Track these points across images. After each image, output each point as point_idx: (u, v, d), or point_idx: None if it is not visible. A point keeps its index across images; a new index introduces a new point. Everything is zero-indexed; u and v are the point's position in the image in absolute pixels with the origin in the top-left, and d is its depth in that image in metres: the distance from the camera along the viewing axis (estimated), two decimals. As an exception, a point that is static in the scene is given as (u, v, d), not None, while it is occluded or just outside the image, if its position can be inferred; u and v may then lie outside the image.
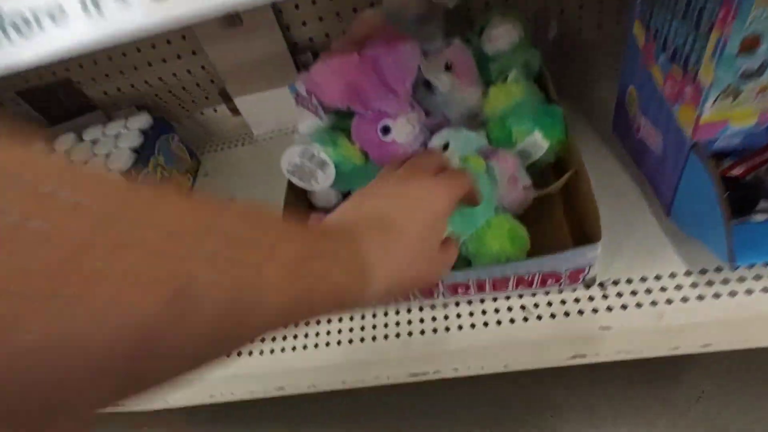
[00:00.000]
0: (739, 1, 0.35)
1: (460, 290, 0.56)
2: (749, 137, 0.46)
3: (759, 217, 0.51)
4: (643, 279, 0.54)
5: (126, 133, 0.80)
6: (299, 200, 0.68)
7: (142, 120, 0.82)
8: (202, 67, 0.88)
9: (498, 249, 0.51)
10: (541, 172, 0.63)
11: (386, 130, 0.62)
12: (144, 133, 0.81)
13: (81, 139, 0.83)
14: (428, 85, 0.69)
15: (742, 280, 0.51)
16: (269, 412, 0.95)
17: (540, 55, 0.66)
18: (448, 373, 0.59)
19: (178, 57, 0.86)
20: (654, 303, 0.52)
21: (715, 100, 0.42)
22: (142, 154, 0.77)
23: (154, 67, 0.88)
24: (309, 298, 0.23)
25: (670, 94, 0.48)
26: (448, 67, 0.67)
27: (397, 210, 0.31)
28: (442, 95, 0.67)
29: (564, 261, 0.49)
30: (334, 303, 0.25)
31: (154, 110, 0.88)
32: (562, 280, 0.53)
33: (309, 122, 0.66)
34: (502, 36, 0.66)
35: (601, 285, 0.55)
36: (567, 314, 0.54)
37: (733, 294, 0.50)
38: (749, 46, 0.38)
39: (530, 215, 0.60)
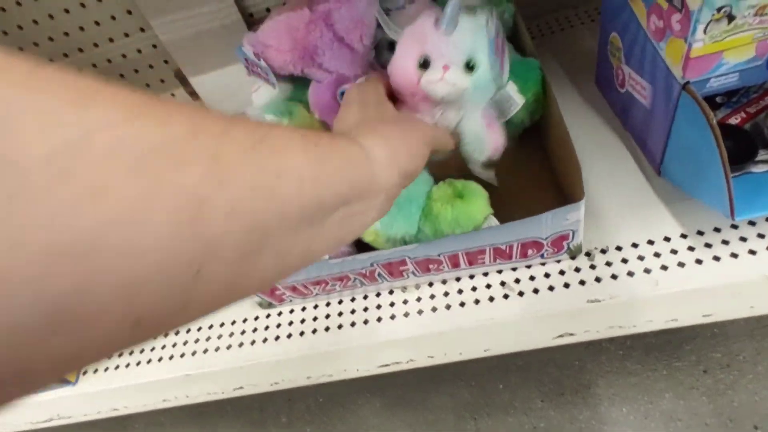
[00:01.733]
0: None
1: (431, 267, 0.50)
2: (747, 74, 0.41)
3: (759, 168, 0.46)
4: (635, 245, 0.48)
5: (68, 118, 0.73)
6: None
7: (87, 104, 0.75)
8: (153, 46, 0.81)
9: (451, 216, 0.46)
10: (519, 136, 0.57)
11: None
12: (89, 117, 0.74)
13: (21, 128, 0.76)
14: (392, 47, 0.63)
15: (743, 240, 0.45)
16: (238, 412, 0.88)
17: (514, 8, 0.60)
18: (423, 362, 0.53)
19: (126, 35, 0.79)
20: (647, 270, 0.46)
21: (707, 26, 0.37)
22: (86, 140, 0.70)
23: (101, 48, 0.81)
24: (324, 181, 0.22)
25: (656, 31, 0.43)
26: (412, 26, 0.61)
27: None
28: (407, 58, 0.62)
29: (544, 224, 0.43)
30: (348, 185, 0.24)
31: (103, 95, 0.81)
32: (544, 250, 0.48)
33: (262, 91, 0.60)
34: (470, -9, 0.60)
35: (588, 254, 0.49)
36: (551, 288, 0.48)
37: (734, 256, 0.44)
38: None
39: (514, 185, 0.54)
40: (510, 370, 0.66)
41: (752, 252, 0.44)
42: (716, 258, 0.45)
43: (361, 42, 0.53)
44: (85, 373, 0.61)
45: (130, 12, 0.76)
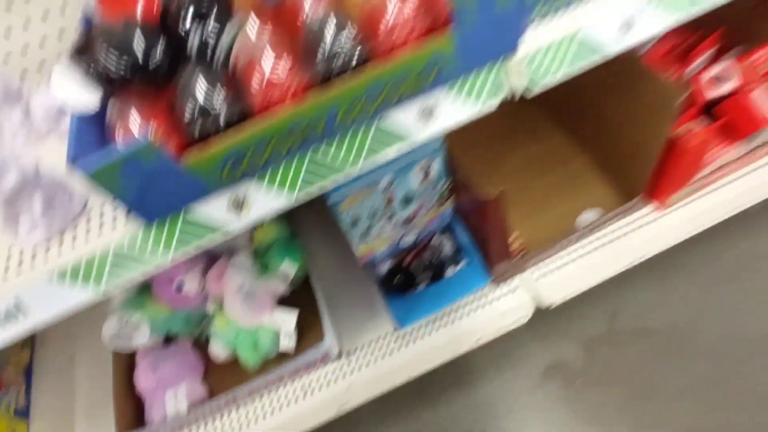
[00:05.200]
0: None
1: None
2: (392, 251, 0.78)
3: (422, 287, 0.84)
4: (369, 342, 0.84)
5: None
6: (127, 357, 0.86)
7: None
8: None
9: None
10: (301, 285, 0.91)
11: (180, 287, 0.85)
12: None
13: None
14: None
15: (419, 329, 0.83)
16: None
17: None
18: None
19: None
20: (376, 359, 0.82)
21: (359, 243, 0.73)
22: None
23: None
24: None
25: (344, 236, 0.79)
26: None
27: None
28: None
29: (308, 358, 0.76)
30: None
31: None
32: (318, 364, 0.81)
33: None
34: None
35: (348, 354, 0.84)
36: (328, 384, 0.81)
37: (414, 340, 0.82)
38: (354, 222, 0.69)
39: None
40: None
41: (421, 337, 0.82)
42: (413, 341, 0.82)
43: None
44: None
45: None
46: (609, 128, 0.82)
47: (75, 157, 0.37)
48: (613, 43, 0.49)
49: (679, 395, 0.87)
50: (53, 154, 0.56)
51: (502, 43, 0.45)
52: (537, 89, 0.49)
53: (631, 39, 0.50)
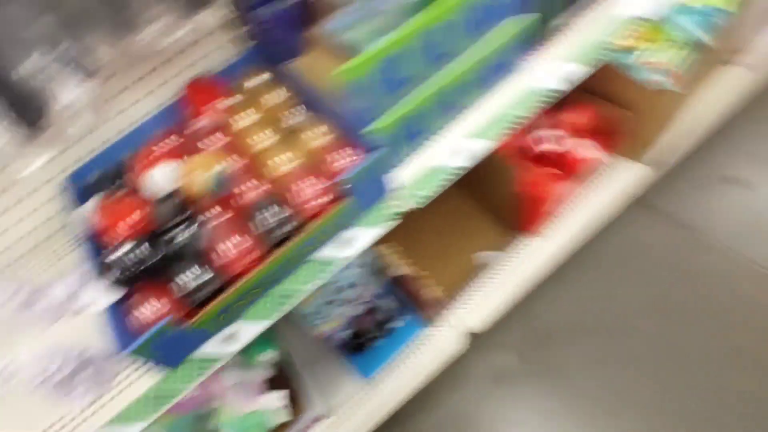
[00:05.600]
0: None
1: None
2: (349, 321, 0.99)
3: (379, 343, 1.05)
4: (348, 397, 1.03)
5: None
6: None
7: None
8: None
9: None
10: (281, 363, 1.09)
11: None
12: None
13: None
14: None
15: (384, 376, 1.04)
16: None
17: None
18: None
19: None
20: (357, 408, 1.01)
21: (320, 324, 0.93)
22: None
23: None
24: None
25: (309, 319, 0.99)
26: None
27: None
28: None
29: (304, 423, 0.95)
30: None
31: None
32: (313, 425, 0.99)
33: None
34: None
35: (333, 410, 1.03)
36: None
37: (383, 385, 1.02)
38: (314, 311, 0.89)
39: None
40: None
41: (388, 381, 1.02)
42: (381, 387, 1.02)
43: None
44: None
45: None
46: (486, 187, 1.09)
47: (122, 346, 0.56)
48: (456, 162, 0.74)
49: (594, 367, 1.12)
50: (80, 328, 0.73)
51: (384, 188, 0.68)
52: (419, 203, 0.72)
53: (463, 163, 0.75)
